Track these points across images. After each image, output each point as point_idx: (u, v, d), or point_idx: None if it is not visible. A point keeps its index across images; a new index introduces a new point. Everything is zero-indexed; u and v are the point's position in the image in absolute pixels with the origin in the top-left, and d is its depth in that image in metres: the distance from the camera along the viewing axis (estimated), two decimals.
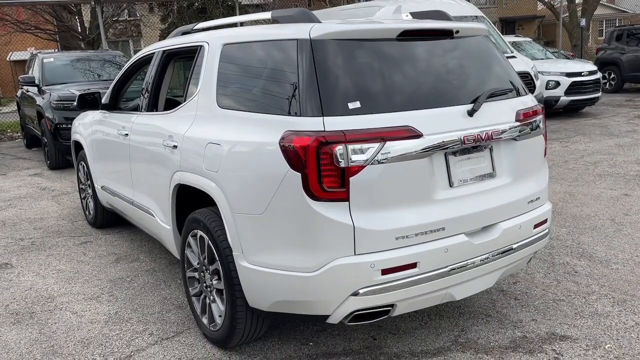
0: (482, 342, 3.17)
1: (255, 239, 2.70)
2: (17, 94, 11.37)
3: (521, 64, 9.42)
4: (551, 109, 11.67)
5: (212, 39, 3.32)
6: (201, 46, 3.40)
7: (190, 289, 3.39)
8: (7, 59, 33.06)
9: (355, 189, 2.45)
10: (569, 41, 24.73)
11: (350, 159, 2.43)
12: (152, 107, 3.98)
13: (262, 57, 2.88)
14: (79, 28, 23.48)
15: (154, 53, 4.13)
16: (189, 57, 3.61)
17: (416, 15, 3.56)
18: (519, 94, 3.10)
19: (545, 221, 3.11)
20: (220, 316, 3.07)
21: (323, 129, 2.43)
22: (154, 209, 3.84)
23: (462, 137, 2.65)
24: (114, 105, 4.75)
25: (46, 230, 5.70)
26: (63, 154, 8.53)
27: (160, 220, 3.76)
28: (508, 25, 39.96)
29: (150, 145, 3.72)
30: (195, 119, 3.23)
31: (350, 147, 2.42)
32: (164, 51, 3.96)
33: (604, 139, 9.39)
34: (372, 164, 2.45)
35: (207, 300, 3.19)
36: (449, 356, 3.04)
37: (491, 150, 2.85)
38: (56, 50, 23.56)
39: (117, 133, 4.37)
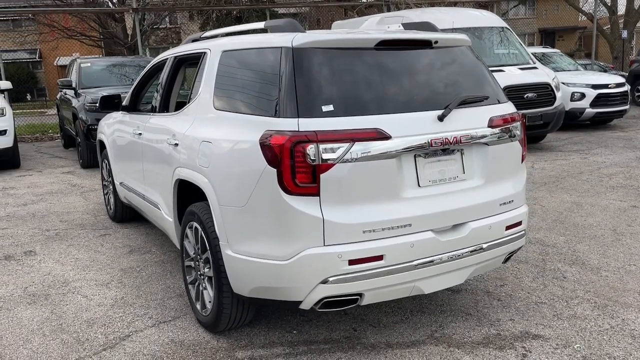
0: (457, 337, 3.32)
1: (238, 230, 2.95)
2: (57, 97, 11.99)
3: (542, 75, 9.45)
4: (576, 121, 11.59)
5: (213, 46, 3.60)
6: (204, 53, 3.68)
7: (187, 277, 3.66)
8: (54, 63, 34.60)
9: (325, 184, 2.67)
10: (610, 53, 24.31)
11: (322, 157, 2.65)
12: (164, 108, 4.30)
13: (251, 63, 3.15)
14: (122, 35, 24.40)
15: (167, 59, 4.45)
16: (195, 62, 3.91)
17: (407, 26, 3.76)
18: (498, 102, 3.27)
19: (519, 223, 3.26)
20: (209, 302, 3.32)
21: (297, 129, 2.66)
22: (160, 202, 4.13)
23: (429, 141, 2.84)
24: (133, 107, 5.09)
25: (71, 222, 6.09)
26: (94, 153, 9.00)
27: (164, 213, 4.05)
28: (547, 36, 39.42)
29: (158, 143, 4.03)
30: (195, 119, 3.51)
31: (322, 146, 2.65)
32: (175, 57, 4.27)
33: (625, 151, 9.32)
34: (341, 162, 2.67)
35: (200, 288, 3.45)
36: (422, 348, 3.21)
37: (462, 153, 3.03)
38: (100, 56, 24.52)
39: (132, 132, 4.71)
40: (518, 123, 3.29)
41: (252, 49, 3.19)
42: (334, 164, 2.66)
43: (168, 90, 4.30)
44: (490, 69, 9.25)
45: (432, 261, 2.88)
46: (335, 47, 2.91)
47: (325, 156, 2.65)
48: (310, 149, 2.64)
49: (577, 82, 11.56)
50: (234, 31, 3.84)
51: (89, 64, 10.28)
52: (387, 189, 2.79)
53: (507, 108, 3.30)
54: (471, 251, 3.02)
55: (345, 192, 2.70)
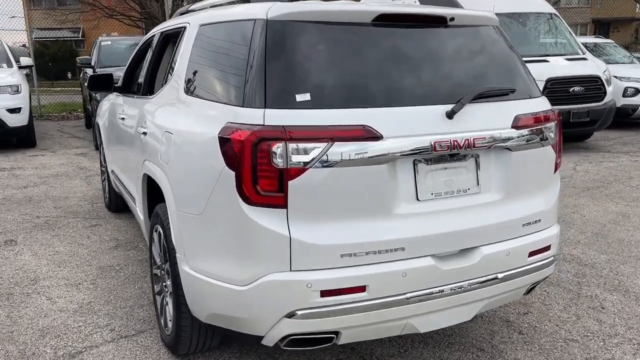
0: None
1: (194, 242, 2.42)
2: (80, 76, 11.75)
3: (591, 67, 8.57)
4: (628, 119, 10.61)
5: (193, 20, 3.07)
6: (184, 27, 3.15)
7: (155, 286, 3.17)
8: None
9: (294, 194, 2.11)
10: None
11: (290, 160, 2.09)
12: (147, 91, 3.79)
13: (224, 40, 2.60)
14: (160, 15, 24.18)
15: (154, 35, 3.94)
16: (177, 39, 3.38)
17: (425, 0, 3.13)
18: (529, 97, 2.63)
19: (547, 248, 2.62)
20: (170, 320, 2.82)
21: (262, 123, 2.11)
22: (136, 197, 3.65)
23: (432, 143, 2.24)
24: (125, 88, 4.62)
25: (65, 209, 5.71)
26: None
27: (138, 209, 3.57)
28: (602, 27, 37.40)
29: (131, 129, 3.54)
30: (165, 104, 2.99)
31: (291, 145, 2.08)
32: (161, 33, 3.76)
33: None
34: (316, 167, 2.10)
35: (164, 302, 2.96)
36: None
37: (477, 160, 2.41)
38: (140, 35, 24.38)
39: (118, 117, 4.24)
40: (553, 123, 2.64)
41: (227, 22, 2.64)
42: (306, 169, 2.10)
43: (152, 69, 3.79)
44: (534, 58, 8.55)
45: (430, 294, 2.29)
46: (321, 21, 2.32)
47: (295, 158, 2.09)
48: (277, 148, 2.08)
49: (631, 76, 10.56)
50: (219, 2, 3.28)
51: (109, 43, 9.94)
52: (375, 203, 2.20)
53: (540, 104, 2.66)
54: (482, 282, 2.41)
55: (319, 205, 2.13)
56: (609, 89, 8.52)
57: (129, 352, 2.99)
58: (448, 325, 2.46)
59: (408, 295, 2.25)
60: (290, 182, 2.09)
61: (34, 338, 3.14)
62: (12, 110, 8.59)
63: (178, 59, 3.03)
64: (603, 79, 8.40)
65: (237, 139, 2.12)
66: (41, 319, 3.36)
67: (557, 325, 3.27)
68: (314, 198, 2.12)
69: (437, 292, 2.31)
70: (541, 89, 8.06)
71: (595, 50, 11.67)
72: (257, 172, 2.10)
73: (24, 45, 9.58)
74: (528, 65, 8.90)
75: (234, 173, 2.14)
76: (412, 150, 2.21)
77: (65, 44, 36.61)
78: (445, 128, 2.28)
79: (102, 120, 5.21)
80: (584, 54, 9.02)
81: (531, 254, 2.55)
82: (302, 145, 2.09)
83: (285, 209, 2.11)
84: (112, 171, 4.89)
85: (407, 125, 2.22)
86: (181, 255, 2.52)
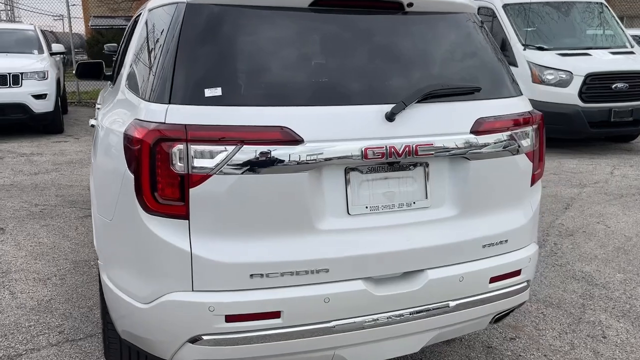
0: None
1: (108, 250, 2.20)
2: None
3: (638, 62, 7.86)
4: None
5: (149, 3, 2.83)
6: (142, 12, 2.92)
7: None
8: None
9: (197, 204, 1.84)
10: None
11: (192, 164, 1.81)
12: (113, 80, 3.60)
13: (155, 26, 2.35)
14: None
15: (140, 14, 3.73)
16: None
17: None
18: (501, 96, 2.26)
19: (515, 273, 2.25)
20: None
21: (163, 121, 1.84)
22: None
23: (363, 150, 1.91)
24: (111, 76, 4.44)
25: (65, 198, 5.65)
26: None
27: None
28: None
29: (94, 122, 3.35)
30: (112, 96, 2.78)
31: (194, 147, 1.81)
32: (134, 18, 3.55)
33: None
34: (222, 173, 1.82)
35: None
36: None
37: (426, 170, 2.06)
38: None
39: (96, 107, 4.08)
40: (529, 128, 2.26)
41: (161, 6, 2.38)
42: (210, 175, 1.82)
43: (121, 57, 3.58)
44: (574, 51, 7.95)
45: (361, 323, 1.98)
46: (249, 5, 2.03)
47: (197, 163, 1.82)
48: (177, 150, 1.81)
49: None
50: None
51: None
52: (294, 217, 1.90)
53: (515, 105, 2.28)
54: (429, 311, 2.08)
55: (226, 218, 1.86)
56: None
57: (67, 359, 2.81)
58: (388, 357, 2.14)
59: (333, 323, 1.95)
60: (191, 190, 1.82)
61: None
62: (38, 96, 8.68)
63: (130, 47, 2.81)
64: None
65: (136, 139, 1.87)
66: None
67: (544, 356, 2.88)
68: (220, 209, 1.84)
69: (371, 321, 1.99)
70: (579, 84, 7.50)
71: None
72: (156, 177, 1.84)
73: (51, 32, 9.65)
74: (566, 58, 8.21)
75: (133, 177, 1.89)
76: (339, 158, 1.89)
77: (119, 32, 37.47)
78: (382, 132, 1.94)
79: (96, 111, 5.08)
80: (631, 47, 8.30)
81: (494, 279, 2.19)
82: (206, 147, 1.82)
83: (187, 221, 1.85)
84: None
85: (335, 128, 1.91)
86: (102, 262, 2.30)
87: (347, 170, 1.96)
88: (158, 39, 2.18)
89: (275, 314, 1.89)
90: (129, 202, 1.93)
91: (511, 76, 2.37)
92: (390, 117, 1.95)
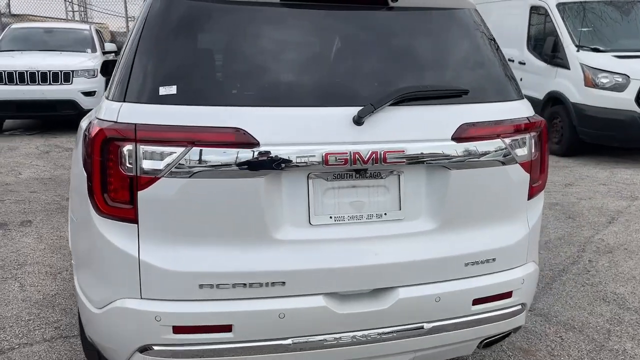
0: None
1: (76, 251, 2.15)
2: None
3: None
4: None
5: None
6: None
7: None
8: None
9: (146, 208, 1.75)
10: None
11: (141, 166, 1.73)
12: None
13: (136, 22, 2.28)
14: None
15: None
16: None
17: None
18: (496, 100, 2.05)
19: (506, 295, 2.04)
20: None
21: (115, 119, 1.77)
22: None
23: (323, 156, 1.76)
24: None
25: None
26: None
27: None
28: None
29: None
30: None
31: (143, 148, 1.73)
32: None
33: None
34: (171, 176, 1.72)
35: None
36: None
37: (400, 178, 1.89)
38: None
39: None
40: (526, 135, 2.04)
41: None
42: (159, 178, 1.73)
43: None
44: (632, 53, 7.38)
45: (321, 342, 1.84)
46: (220, 0, 1.92)
47: (146, 164, 1.73)
48: (127, 150, 1.73)
49: None
50: None
51: None
52: (249, 225, 1.78)
53: (511, 110, 2.06)
54: (399, 332, 1.90)
55: (176, 223, 1.76)
56: None
57: (55, 355, 2.82)
58: None
59: (289, 341, 1.81)
60: (140, 193, 1.74)
61: None
62: (87, 94, 8.95)
63: None
64: None
65: (90, 137, 1.81)
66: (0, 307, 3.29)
67: None
68: (169, 214, 1.75)
69: (333, 341, 1.84)
70: (637, 89, 6.96)
71: None
72: (107, 177, 1.77)
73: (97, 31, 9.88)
74: (623, 61, 7.59)
75: (86, 176, 1.83)
76: (297, 163, 1.75)
77: None
78: (348, 137, 1.79)
79: None
80: None
81: (478, 301, 1.98)
82: (156, 148, 1.72)
83: (137, 225, 1.76)
84: None
85: (295, 132, 1.77)
86: (73, 262, 2.26)
87: (310, 177, 1.82)
88: (130, 35, 2.12)
89: (226, 328, 1.78)
90: (85, 203, 1.87)
91: (512, 79, 2.15)
92: (358, 121, 1.79)
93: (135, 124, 1.73)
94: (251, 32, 1.89)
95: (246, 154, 1.73)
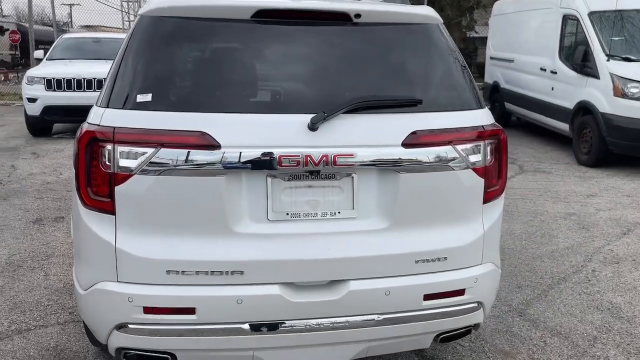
0: None
1: (73, 242, 2.42)
2: None
3: None
4: None
5: None
6: None
7: None
8: None
9: (122, 201, 1.99)
10: None
11: (118, 164, 1.97)
12: None
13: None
14: None
15: None
16: None
17: None
18: (452, 109, 2.19)
19: (458, 292, 2.17)
20: None
21: (99, 123, 2.02)
22: None
23: (277, 157, 1.95)
24: None
25: None
26: None
27: None
28: None
29: None
30: None
31: (120, 148, 1.97)
32: None
33: None
34: (142, 173, 1.95)
35: None
36: None
37: (353, 180, 2.06)
38: None
39: None
40: (481, 143, 2.16)
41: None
42: (132, 175, 1.96)
43: None
44: None
45: (275, 327, 2.02)
46: (198, 17, 2.15)
47: (123, 163, 1.97)
48: (106, 150, 1.98)
49: None
50: None
51: None
52: (211, 219, 1.99)
53: (467, 118, 2.19)
54: (351, 322, 2.06)
55: (147, 216, 1.99)
56: None
57: (65, 337, 3.10)
58: None
59: (246, 325, 2.01)
60: (117, 188, 1.98)
61: (3, 311, 3.39)
62: None
63: None
64: None
65: (78, 139, 2.07)
66: (24, 293, 3.62)
67: None
68: (142, 207, 1.98)
69: (287, 327, 2.02)
70: None
71: None
72: (90, 174, 2.02)
73: None
74: None
75: (74, 173, 2.09)
76: (254, 164, 1.95)
77: None
78: (302, 141, 1.97)
79: None
80: None
81: (429, 297, 2.12)
82: (131, 149, 1.96)
83: (114, 216, 2.00)
84: None
85: (254, 135, 1.97)
86: (73, 251, 2.53)
87: (269, 177, 2.01)
88: (119, 50, 2.38)
89: (190, 310, 1.99)
90: (76, 197, 2.13)
91: (473, 89, 2.28)
92: (312, 127, 1.97)
93: (114, 127, 1.97)
94: (218, 46, 2.12)
95: (207, 155, 1.94)
